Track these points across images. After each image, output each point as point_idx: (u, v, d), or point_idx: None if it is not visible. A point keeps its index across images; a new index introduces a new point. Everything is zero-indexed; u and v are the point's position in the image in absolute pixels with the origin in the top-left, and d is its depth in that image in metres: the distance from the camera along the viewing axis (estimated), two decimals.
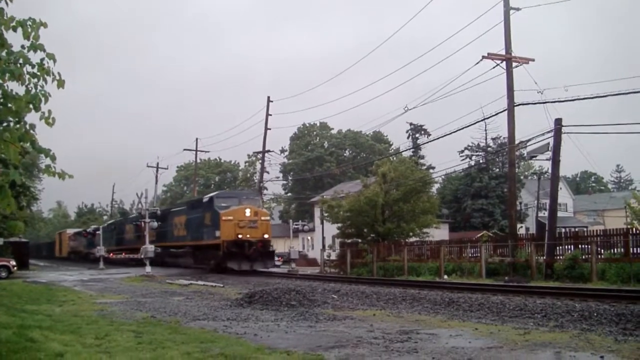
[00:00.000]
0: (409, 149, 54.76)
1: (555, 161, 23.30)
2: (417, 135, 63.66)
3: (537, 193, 40.88)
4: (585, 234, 24.19)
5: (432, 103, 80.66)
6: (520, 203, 51.81)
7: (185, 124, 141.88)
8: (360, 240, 34.02)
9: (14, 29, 4.58)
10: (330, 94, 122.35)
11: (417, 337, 8.57)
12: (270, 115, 43.52)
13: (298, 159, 72.91)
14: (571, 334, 8.90)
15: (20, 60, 4.53)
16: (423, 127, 63.24)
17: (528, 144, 26.57)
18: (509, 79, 24.76)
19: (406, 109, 30.55)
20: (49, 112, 4.67)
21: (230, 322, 10.58)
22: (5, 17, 4.54)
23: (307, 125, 75.69)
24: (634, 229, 24.03)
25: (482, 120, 35.37)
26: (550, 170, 25.24)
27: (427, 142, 58.81)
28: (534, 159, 30.00)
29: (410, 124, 62.86)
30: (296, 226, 40.02)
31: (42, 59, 4.59)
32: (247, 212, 29.39)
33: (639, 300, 12.90)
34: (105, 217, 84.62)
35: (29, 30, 4.56)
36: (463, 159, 59.72)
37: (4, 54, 4.55)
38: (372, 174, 37.87)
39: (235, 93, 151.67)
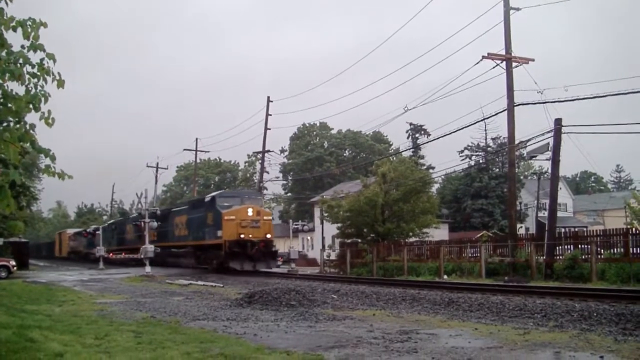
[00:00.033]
0: (409, 149, 54.75)
1: (555, 161, 23.30)
2: (417, 135, 63.68)
3: (537, 193, 40.91)
4: (585, 234, 24.18)
5: (432, 103, 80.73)
6: (520, 203, 51.82)
7: (185, 124, 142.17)
8: (360, 240, 34.01)
9: (14, 29, 4.57)
10: (330, 94, 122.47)
11: (416, 337, 8.57)
12: (270, 115, 43.55)
13: (298, 159, 72.93)
14: (571, 334, 8.90)
15: (20, 60, 4.53)
16: (423, 127, 63.31)
17: (528, 144, 26.59)
18: (509, 79, 24.76)
19: (406, 109, 30.60)
20: (49, 112, 4.67)
21: (230, 322, 10.58)
22: (5, 17, 4.54)
23: (307, 125, 75.73)
24: (633, 229, 24.02)
25: (482, 120, 35.43)
26: (550, 170, 25.25)
27: (427, 142, 58.86)
28: (533, 159, 30.03)
29: (410, 124, 62.92)
30: (296, 226, 40.04)
31: (42, 59, 4.59)
32: (250, 212, 29.18)
33: (638, 300, 12.89)
34: (105, 217, 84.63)
35: (29, 30, 4.56)
36: (463, 159, 59.83)
37: (4, 54, 4.55)
38: (372, 174, 37.86)
39: (235, 93, 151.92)
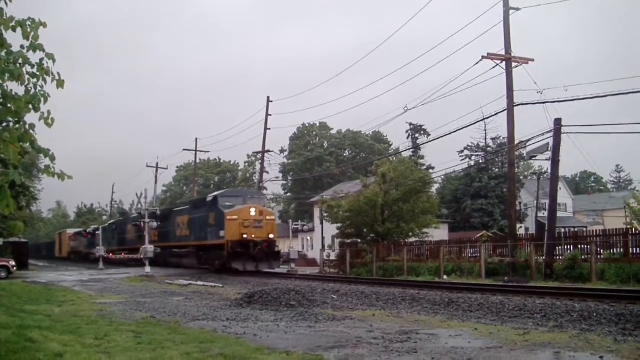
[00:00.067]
0: (409, 149, 54.78)
1: (555, 161, 23.31)
2: (416, 135, 63.75)
3: (536, 193, 40.91)
4: (585, 234, 24.19)
5: (431, 103, 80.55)
6: (520, 203, 51.85)
7: (185, 124, 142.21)
8: (359, 241, 34.00)
9: (14, 29, 4.57)
10: (330, 94, 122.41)
11: (416, 338, 8.57)
12: (270, 115, 43.58)
13: (298, 159, 72.94)
14: (571, 334, 8.90)
15: (20, 60, 4.53)
16: (423, 127, 63.39)
17: (528, 144, 26.60)
18: (509, 79, 24.77)
19: (406, 109, 30.61)
20: (49, 112, 4.67)
21: (229, 322, 10.58)
22: (4, 17, 4.54)
23: (307, 125, 75.78)
24: (633, 229, 24.03)
25: (481, 120, 35.47)
26: (549, 170, 25.25)
27: (427, 142, 58.94)
28: (533, 159, 30.04)
29: (410, 124, 62.97)
30: (296, 226, 39.90)
31: (41, 59, 4.59)
32: (252, 212, 28.92)
33: (638, 300, 12.89)
34: (104, 218, 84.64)
35: (29, 30, 4.55)
36: (463, 159, 59.87)
37: (3, 54, 4.54)
38: (371, 174, 37.85)
39: (235, 93, 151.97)
